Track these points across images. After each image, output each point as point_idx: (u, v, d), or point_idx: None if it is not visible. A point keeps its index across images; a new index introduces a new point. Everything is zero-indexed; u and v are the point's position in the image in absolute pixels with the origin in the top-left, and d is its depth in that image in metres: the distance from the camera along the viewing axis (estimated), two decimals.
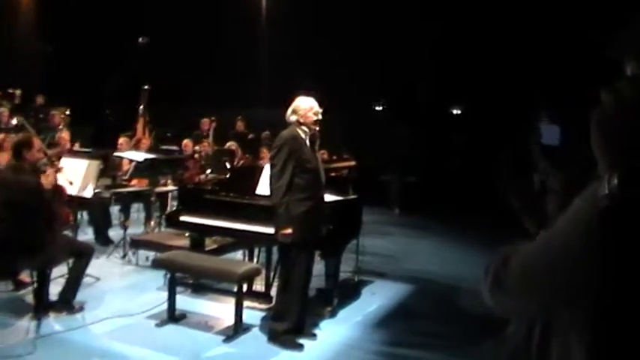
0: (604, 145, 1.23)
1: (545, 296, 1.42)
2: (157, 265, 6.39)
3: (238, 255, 7.98)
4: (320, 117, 5.70)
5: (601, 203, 1.19)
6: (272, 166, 5.62)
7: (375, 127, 16.09)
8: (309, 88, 6.17)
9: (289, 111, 5.71)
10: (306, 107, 5.66)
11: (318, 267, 6.38)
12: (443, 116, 17.24)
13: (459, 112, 17.59)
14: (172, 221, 7.05)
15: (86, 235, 8.85)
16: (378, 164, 14.20)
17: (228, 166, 8.38)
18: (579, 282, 1.34)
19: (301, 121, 5.64)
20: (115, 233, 9.05)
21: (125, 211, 9.20)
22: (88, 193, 7.11)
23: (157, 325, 5.99)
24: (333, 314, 6.63)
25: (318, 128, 5.72)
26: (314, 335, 5.98)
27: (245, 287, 6.17)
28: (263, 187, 6.50)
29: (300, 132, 5.62)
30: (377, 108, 17.87)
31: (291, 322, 5.66)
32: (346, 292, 7.30)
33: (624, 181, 1.16)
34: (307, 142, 5.65)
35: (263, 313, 6.40)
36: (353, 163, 7.85)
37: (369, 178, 11.95)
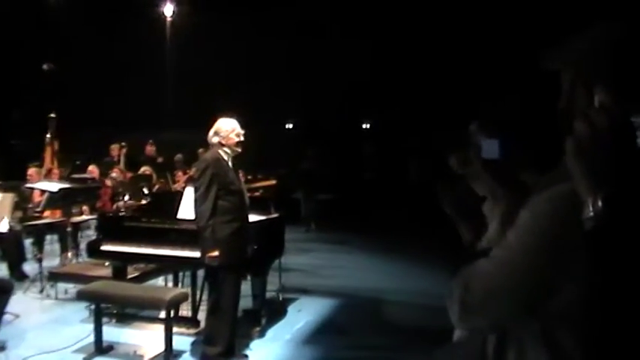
0: (584, 171, 1.30)
1: (514, 309, 1.49)
2: (82, 296, 6.21)
3: (159, 281, 7.88)
4: (242, 138, 5.71)
5: (587, 225, 1.26)
6: (196, 189, 5.58)
7: (286, 145, 16.16)
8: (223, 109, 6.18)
9: (211, 132, 5.70)
10: (228, 129, 5.66)
11: (243, 287, 6.36)
12: (353, 132, 17.46)
13: (368, 126, 17.85)
14: (93, 251, 6.89)
15: None
16: (292, 182, 14.22)
17: (145, 191, 8.27)
18: (537, 296, 1.43)
19: (223, 142, 5.63)
20: (29, 267, 8.75)
21: (38, 244, 8.91)
22: (4, 228, 6.90)
23: (85, 359, 5.83)
24: (262, 334, 6.63)
25: (240, 150, 5.73)
26: (245, 356, 5.97)
27: (172, 313, 6.10)
28: (185, 211, 6.46)
29: (222, 154, 5.62)
30: (288, 126, 17.94)
31: (222, 345, 5.62)
32: (273, 311, 7.30)
33: (608, 203, 1.24)
34: (230, 163, 5.65)
35: (192, 338, 6.33)
36: (273, 182, 7.89)
37: (284, 196, 11.99)
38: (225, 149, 5.65)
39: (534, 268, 1.43)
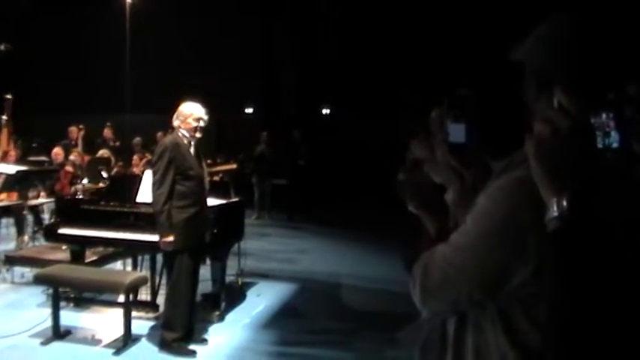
0: (547, 173, 1.32)
1: (470, 292, 1.54)
2: (39, 280, 6.14)
3: (118, 265, 7.84)
4: (201, 123, 5.67)
5: (551, 225, 1.29)
6: (154, 173, 5.56)
7: (245, 130, 16.07)
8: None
9: (174, 116, 5.67)
10: (186, 113, 5.63)
11: (203, 272, 6.38)
12: (312, 117, 17.39)
13: (328, 111, 17.80)
14: (51, 234, 6.81)
15: None
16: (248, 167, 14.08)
17: (104, 174, 8.19)
18: (494, 279, 1.48)
19: (182, 126, 5.61)
20: None
21: None
22: None
23: (42, 344, 5.78)
24: (221, 318, 6.65)
25: (199, 135, 5.69)
26: (205, 340, 5.99)
27: (131, 297, 6.07)
28: (144, 195, 6.42)
29: (182, 137, 5.60)
30: (247, 111, 17.82)
31: (181, 329, 5.64)
32: (232, 296, 7.33)
33: (573, 204, 1.27)
34: (191, 148, 5.63)
35: (151, 323, 6.33)
36: (234, 166, 7.88)
37: (243, 180, 11.95)
38: (184, 133, 5.63)
39: (489, 252, 1.48)
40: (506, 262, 1.45)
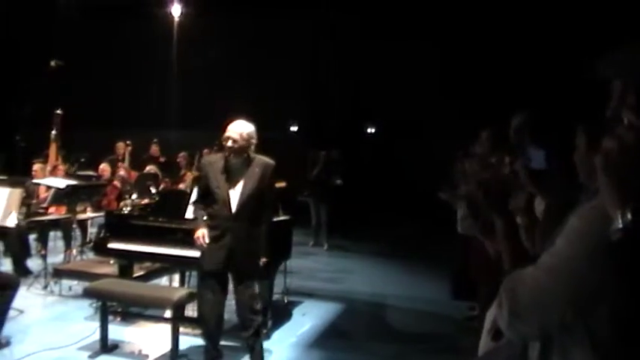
0: (613, 186, 1.36)
1: (561, 314, 1.49)
2: (88, 294, 6.15)
3: (163, 280, 7.86)
4: (229, 144, 5.44)
5: (614, 236, 1.31)
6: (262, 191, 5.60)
7: (291, 148, 16.04)
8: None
9: (245, 135, 5.46)
10: (253, 134, 5.50)
11: None
12: (357, 136, 17.29)
13: (373, 130, 17.72)
14: (100, 248, 6.86)
15: (2, 266, 8.47)
16: (301, 186, 13.71)
17: (152, 190, 8.23)
18: (588, 300, 1.43)
19: (246, 145, 5.49)
20: (33, 263, 8.71)
21: (43, 240, 8.89)
22: (11, 222, 6.81)
23: (90, 357, 5.79)
24: (267, 336, 6.59)
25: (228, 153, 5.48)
26: None
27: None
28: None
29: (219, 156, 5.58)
30: (292, 129, 17.80)
31: None
32: (278, 314, 7.27)
33: (636, 216, 1.30)
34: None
35: (197, 339, 6.29)
36: (283, 184, 7.84)
37: (292, 198, 11.83)
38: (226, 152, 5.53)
39: (581, 273, 1.45)
40: (596, 283, 1.41)
